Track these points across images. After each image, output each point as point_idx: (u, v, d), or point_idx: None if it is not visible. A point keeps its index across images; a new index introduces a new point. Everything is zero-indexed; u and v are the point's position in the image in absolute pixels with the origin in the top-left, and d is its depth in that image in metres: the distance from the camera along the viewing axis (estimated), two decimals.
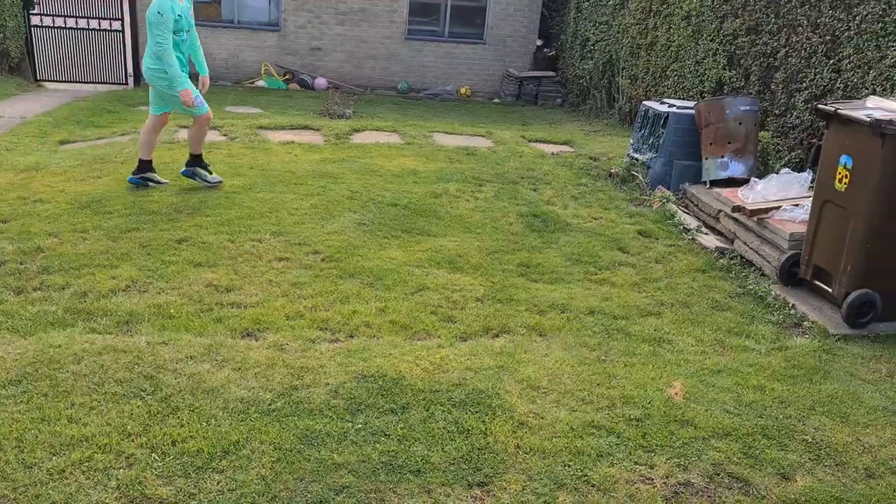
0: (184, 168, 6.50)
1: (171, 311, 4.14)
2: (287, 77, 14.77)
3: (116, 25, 13.81)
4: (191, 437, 3.03)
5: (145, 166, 6.39)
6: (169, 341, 3.79)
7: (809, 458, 3.20)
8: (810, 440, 3.33)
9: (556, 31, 15.29)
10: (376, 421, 3.22)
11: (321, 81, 14.77)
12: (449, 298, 4.59)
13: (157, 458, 2.90)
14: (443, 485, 2.86)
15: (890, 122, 4.22)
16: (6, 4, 12.91)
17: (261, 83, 14.45)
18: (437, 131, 9.77)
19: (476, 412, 3.34)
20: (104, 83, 13.82)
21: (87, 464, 2.84)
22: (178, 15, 6.04)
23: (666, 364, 3.94)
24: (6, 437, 2.95)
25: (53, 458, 2.86)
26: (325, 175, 7.04)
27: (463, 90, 15.32)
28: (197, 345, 3.78)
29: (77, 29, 13.70)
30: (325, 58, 15.06)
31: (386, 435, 3.13)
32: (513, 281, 4.94)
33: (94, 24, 13.74)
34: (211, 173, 6.55)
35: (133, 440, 2.99)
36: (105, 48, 13.82)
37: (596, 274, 5.19)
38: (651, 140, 7.46)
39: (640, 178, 7.41)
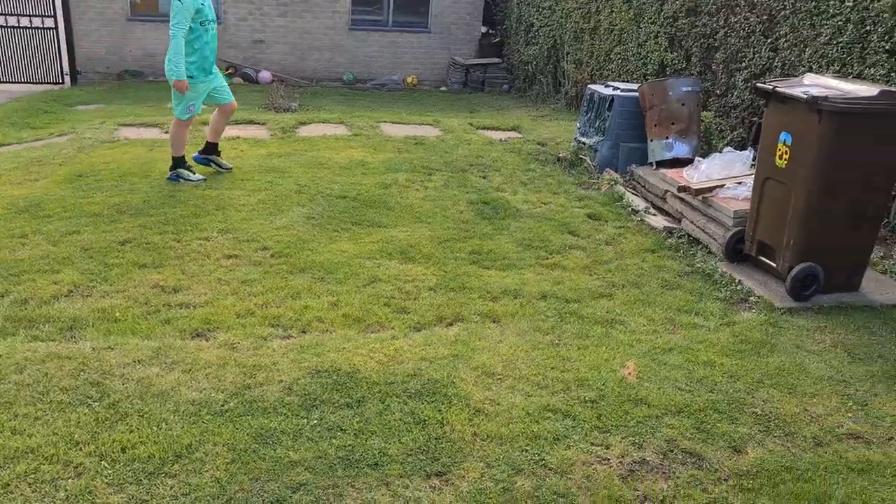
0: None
1: (117, 314, 4.04)
2: (230, 71, 14.51)
3: (49, 23, 13.39)
4: (141, 442, 2.97)
5: (177, 163, 6.51)
6: (115, 346, 3.70)
7: (759, 430, 3.27)
8: (759, 412, 3.40)
9: (501, 17, 15.30)
10: (332, 416, 3.19)
11: (265, 75, 14.55)
12: (402, 289, 4.57)
13: (106, 465, 2.83)
14: (401, 476, 2.85)
15: (825, 98, 4.31)
16: None
17: None
18: (385, 121, 9.71)
19: (432, 402, 3.33)
20: (39, 83, 13.40)
21: (33, 475, 2.75)
22: (202, 3, 5.94)
23: (619, 345, 3.99)
24: None
25: None
26: (271, 169, 6.94)
27: (409, 79, 15.24)
28: (145, 348, 3.69)
29: (6, 27, 13.25)
30: (267, 50, 14.83)
31: (342, 430, 3.10)
32: (465, 269, 4.94)
33: (24, 21, 13.31)
34: (194, 173, 6.58)
35: (81, 449, 2.91)
36: (38, 46, 13.40)
37: (547, 258, 5.22)
38: (597, 123, 7.52)
39: (588, 161, 7.47)
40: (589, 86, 7.99)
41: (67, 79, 13.59)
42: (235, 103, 6.80)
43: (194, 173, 6.50)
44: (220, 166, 6.75)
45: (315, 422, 3.15)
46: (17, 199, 5.82)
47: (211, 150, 6.75)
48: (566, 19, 11.92)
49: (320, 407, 3.27)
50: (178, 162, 6.46)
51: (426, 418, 3.21)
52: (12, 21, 13.25)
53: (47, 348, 3.64)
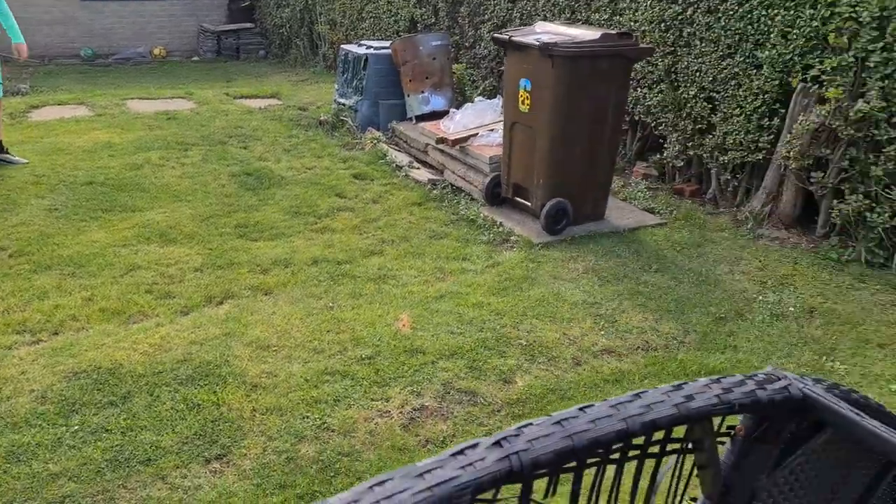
0: None
1: None
2: None
3: None
4: None
5: None
6: None
7: (526, 360, 3.50)
8: (525, 343, 3.64)
9: None
10: (94, 418, 2.98)
11: None
12: (164, 274, 4.33)
13: None
14: (177, 467, 2.73)
15: (555, 44, 4.60)
16: None
17: None
18: (132, 98, 9.04)
19: (205, 385, 3.21)
20: None
21: None
22: None
23: (392, 299, 4.06)
24: None
25: None
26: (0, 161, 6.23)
27: (157, 51, 14.29)
28: None
29: None
30: None
31: (107, 430, 2.90)
32: (232, 244, 4.77)
33: None
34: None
35: None
36: None
37: (316, 223, 5.18)
38: (354, 83, 7.51)
39: (350, 122, 7.46)
40: (342, 46, 7.95)
41: None
42: None
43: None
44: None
45: (76, 427, 2.92)
46: None
47: None
48: None
49: (80, 411, 3.03)
50: None
51: (200, 402, 3.09)
52: None
53: None
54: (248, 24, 14.52)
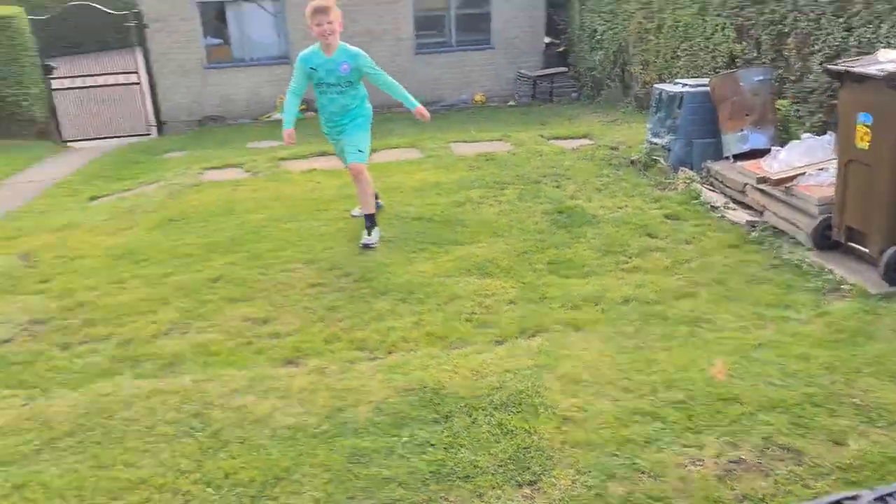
0: None
1: (213, 348, 4.23)
2: (303, 107, 14.96)
3: (133, 78, 14.15)
4: (242, 468, 3.10)
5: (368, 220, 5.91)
6: (213, 378, 3.87)
7: (861, 421, 3.16)
8: (860, 403, 3.28)
9: (563, 26, 15.28)
10: (421, 432, 3.26)
11: None
12: (482, 304, 4.61)
13: (212, 491, 2.97)
14: (493, 487, 2.88)
15: None
16: (27, 72, 13.32)
17: (277, 116, 14.65)
18: (455, 141, 9.82)
19: (519, 412, 3.35)
20: (127, 136, 14.14)
21: None
22: (311, 68, 5.74)
23: (706, 343, 3.92)
24: (67, 487, 3.04)
25: (113, 502, 2.95)
26: (348, 198, 7.11)
27: (478, 97, 15.37)
28: (240, 378, 3.85)
29: (95, 87, 14.06)
30: None
31: (432, 445, 3.16)
32: (544, 279, 4.95)
33: (110, 80, 14.10)
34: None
35: (188, 477, 3.07)
36: (124, 102, 14.16)
37: (627, 262, 5.18)
38: (668, 122, 7.41)
39: (662, 161, 7.36)
40: (656, 85, 7.89)
41: (154, 129, 14.29)
42: (358, 166, 5.87)
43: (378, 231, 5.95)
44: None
45: (406, 439, 3.22)
46: (113, 247, 6.16)
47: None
48: (629, 21, 11.82)
49: (410, 424, 3.33)
50: (369, 219, 5.91)
51: (514, 429, 3.23)
52: (100, 81, 14.06)
53: (151, 384, 3.84)
54: (562, 69, 15.03)
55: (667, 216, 6.06)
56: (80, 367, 4.11)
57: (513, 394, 3.50)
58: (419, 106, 6.01)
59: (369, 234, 5.81)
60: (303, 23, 14.76)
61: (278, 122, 14.18)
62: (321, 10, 5.53)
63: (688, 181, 6.73)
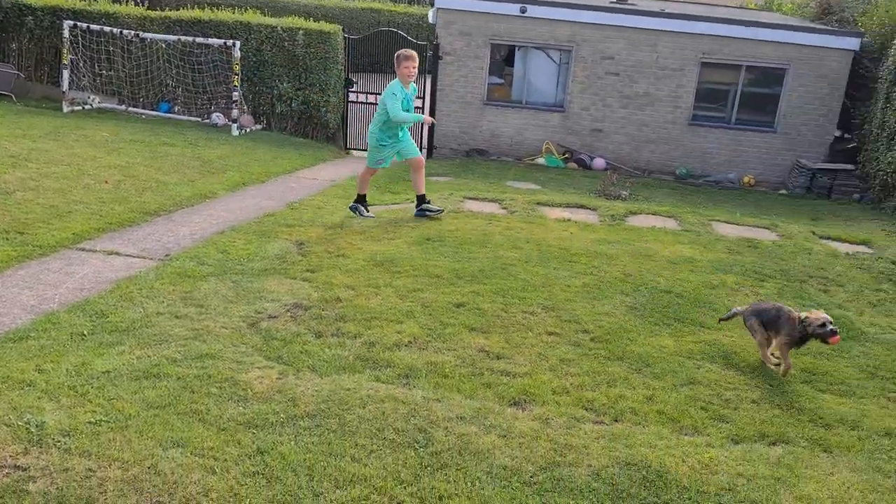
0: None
1: (446, 370, 4.39)
2: (566, 156, 15.20)
3: (418, 103, 15.20)
4: (456, 494, 3.17)
5: (420, 200, 8.34)
6: (442, 399, 4.02)
7: None
8: None
9: (860, 121, 14.16)
10: None
11: (599, 162, 14.99)
12: (721, 396, 4.36)
13: None
14: None
15: None
16: (332, 83, 14.85)
17: (540, 160, 15.01)
18: (717, 220, 9.44)
19: None
20: None
21: (364, 502, 3.08)
22: (405, 97, 7.86)
23: None
24: (301, 464, 3.30)
25: (337, 490, 3.15)
26: (598, 255, 7.10)
27: (746, 179, 14.68)
28: (467, 406, 3.95)
29: (366, 104, 15.31)
30: (604, 139, 15.29)
31: None
32: (794, 387, 4.58)
33: None
34: (368, 210, 8.39)
35: (405, 488, 3.20)
36: None
37: (895, 392, 4.64)
38: None
39: None
40: None
41: (425, 152, 15.24)
42: (422, 158, 8.45)
43: (368, 211, 8.37)
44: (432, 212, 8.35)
45: None
46: (375, 253, 6.63)
47: (421, 200, 8.34)
48: None
49: (626, 500, 3.23)
50: (361, 199, 8.34)
51: None
52: (371, 99, 15.29)
53: (386, 390, 4.07)
54: (849, 166, 13.94)
55: None
56: (329, 357, 4.46)
57: (744, 501, 3.26)
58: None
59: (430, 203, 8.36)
60: (583, 76, 15.07)
61: (540, 167, 14.60)
62: (411, 58, 7.88)
63: None
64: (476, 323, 5.16)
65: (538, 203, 9.56)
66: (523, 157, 15.36)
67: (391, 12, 26.85)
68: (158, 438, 3.42)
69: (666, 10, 15.01)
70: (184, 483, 3.12)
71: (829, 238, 9.04)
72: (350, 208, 8.40)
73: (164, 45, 14.83)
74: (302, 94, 14.84)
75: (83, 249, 6.30)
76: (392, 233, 7.48)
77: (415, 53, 8.02)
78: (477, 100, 15.38)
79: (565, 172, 14.12)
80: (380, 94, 15.35)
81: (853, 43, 14.23)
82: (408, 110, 8.00)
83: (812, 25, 15.76)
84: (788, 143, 14.81)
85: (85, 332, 4.56)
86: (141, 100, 15.32)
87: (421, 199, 8.33)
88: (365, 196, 8.46)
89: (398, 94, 7.82)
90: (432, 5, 15.61)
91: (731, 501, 3.26)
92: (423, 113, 15.18)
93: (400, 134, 8.19)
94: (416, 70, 7.99)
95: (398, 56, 7.93)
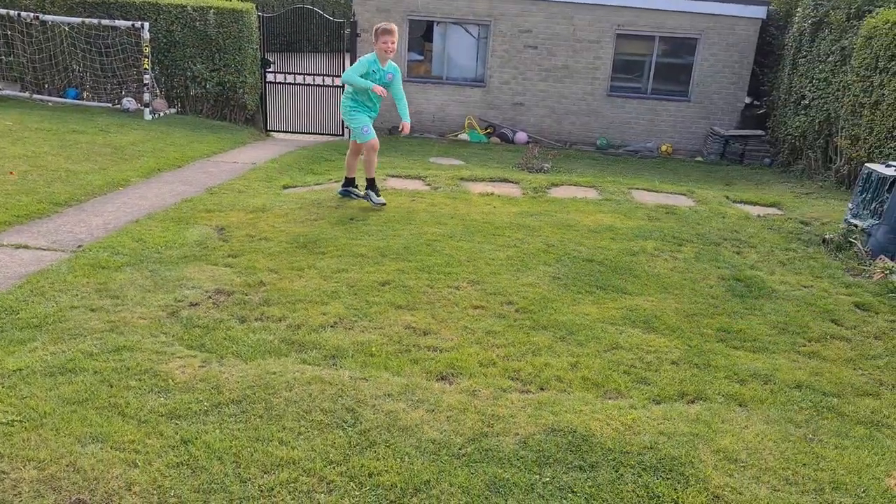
0: (341, 189, 8.25)
1: (373, 349, 4.38)
2: (489, 131, 15.27)
3: (338, 82, 15.01)
4: (386, 471, 3.18)
5: (349, 182, 8.18)
6: (369, 377, 4.01)
7: None
8: None
9: (768, 87, 14.67)
10: (564, 476, 3.21)
11: (521, 136, 15.12)
12: (643, 359, 4.49)
13: (354, 487, 3.07)
14: None
15: None
16: (248, 63, 14.50)
17: (463, 136, 15.05)
18: (636, 188, 9.65)
19: (668, 479, 3.23)
20: (322, 134, 15.03)
21: (293, 485, 3.06)
22: (372, 70, 7.52)
23: (885, 451, 3.60)
24: (226, 451, 3.25)
25: (265, 475, 3.12)
26: (521, 227, 7.18)
27: (664, 147, 15.05)
28: (394, 383, 3.96)
29: (304, 85, 15.06)
30: (526, 112, 15.42)
31: (573, 491, 3.10)
32: (711, 346, 4.74)
33: (318, 80, 15.04)
34: (378, 195, 7.93)
35: (334, 468, 3.19)
36: (324, 102, 15.06)
37: (804, 346, 4.86)
38: (873, 205, 6.92)
39: (859, 245, 6.87)
40: (866, 164, 7.39)
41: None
42: (377, 141, 7.96)
43: (379, 196, 7.95)
44: (356, 196, 8.18)
45: (547, 479, 3.18)
46: (298, 235, 6.55)
47: (350, 183, 8.22)
48: (843, 92, 11.15)
49: (553, 465, 3.29)
50: (370, 183, 7.95)
51: (660, 494, 3.11)
52: (308, 80, 15.04)
53: (313, 371, 4.03)
54: (759, 132, 14.44)
55: (857, 305, 5.64)
56: (254, 341, 4.39)
57: (664, 458, 3.37)
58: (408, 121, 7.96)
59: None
60: (503, 50, 15.15)
61: (463, 142, 14.64)
62: (390, 32, 7.53)
63: (886, 271, 6.23)
64: (402, 300, 5.16)
65: (461, 178, 9.59)
66: (446, 133, 15.36)
67: None
68: (76, 435, 3.31)
69: None
70: (105, 478, 3.03)
71: (741, 202, 9.36)
72: (339, 193, 8.18)
73: (66, 28, 14.18)
74: (217, 75, 14.46)
75: None
76: (315, 214, 7.40)
77: (394, 27, 7.65)
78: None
79: (488, 147, 14.20)
80: (300, 74, 15.19)
81: (760, 11, 14.68)
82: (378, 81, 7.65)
83: None
84: (702, 112, 15.23)
85: None
86: (46, 86, 14.65)
87: (370, 184, 7.99)
88: (353, 179, 8.21)
89: (364, 65, 7.53)
90: None
91: (653, 459, 3.36)
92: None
93: (372, 106, 7.90)
94: (395, 46, 7.60)
95: (376, 30, 7.61)
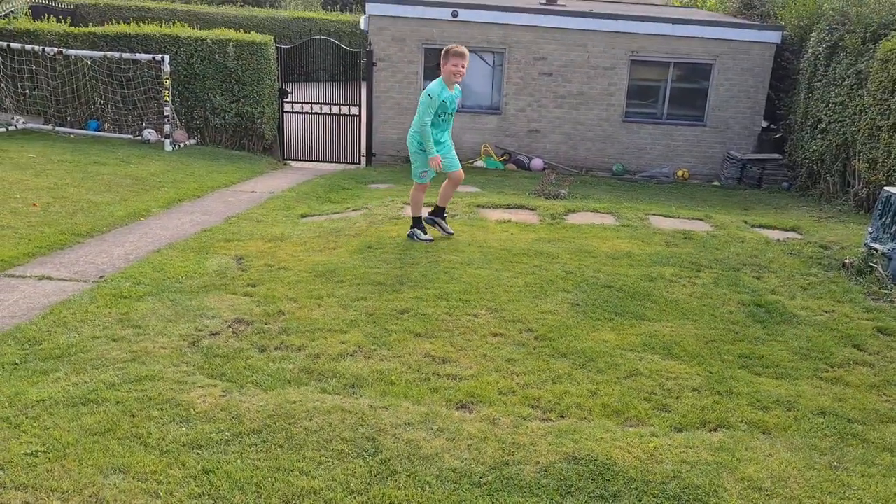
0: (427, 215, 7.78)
1: (392, 377, 4.39)
2: (505, 157, 15.33)
3: (355, 111, 15.17)
4: (406, 500, 3.17)
5: (415, 223, 7.64)
6: (389, 406, 4.01)
7: None
8: None
9: (784, 112, 14.64)
10: None
11: (537, 162, 15.16)
12: (663, 386, 4.46)
13: None
14: None
15: None
16: (266, 94, 14.70)
17: (479, 163, 15.11)
18: (653, 214, 9.63)
19: None
20: (340, 162, 15.15)
21: None
22: (443, 101, 7.02)
23: None
24: (248, 481, 3.26)
25: None
26: (539, 254, 7.18)
27: (680, 173, 15.03)
28: (414, 412, 3.96)
29: (321, 114, 15.22)
30: (542, 139, 15.48)
31: None
32: (733, 373, 4.70)
33: (335, 109, 15.20)
34: (426, 233, 7.62)
35: (355, 497, 3.18)
36: (343, 131, 15.20)
37: (827, 371, 4.81)
38: (893, 229, 6.86)
39: (880, 270, 6.81)
40: (885, 188, 7.34)
41: (363, 160, 15.20)
42: (462, 172, 7.62)
43: (426, 233, 7.56)
44: (443, 229, 7.77)
45: None
46: (317, 264, 6.59)
47: (439, 213, 7.79)
48: (860, 115, 11.12)
49: (575, 494, 3.27)
50: (416, 222, 7.58)
51: None
52: (326, 110, 15.20)
53: (333, 401, 4.04)
54: (776, 156, 14.39)
55: (879, 329, 5.58)
56: (273, 371, 4.41)
57: (688, 487, 3.34)
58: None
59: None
60: (518, 77, 15.24)
61: (480, 170, 14.67)
62: (462, 56, 6.92)
63: None
64: (421, 328, 5.17)
65: (478, 205, 9.62)
66: (462, 160, 15.43)
67: (323, 20, 26.74)
68: (99, 465, 3.33)
69: (594, 11, 15.28)
70: None
71: (760, 226, 9.32)
72: (408, 236, 7.57)
73: (89, 62, 14.46)
74: (235, 106, 14.66)
75: (12, 276, 6.10)
76: (333, 243, 7.44)
77: (466, 51, 6.95)
78: (413, 105, 15.38)
79: (504, 174, 14.24)
80: (316, 103, 15.36)
81: (775, 36, 14.71)
82: (452, 113, 7.20)
83: (736, 20, 16.23)
84: (718, 136, 15.22)
85: (17, 361, 4.41)
86: (69, 118, 14.91)
87: (439, 212, 7.68)
88: (420, 218, 7.59)
89: (434, 98, 6.89)
90: (364, 12, 15.59)
91: (677, 488, 3.33)
92: (362, 120, 15.17)
93: (442, 138, 7.29)
94: (465, 70, 6.98)
95: (445, 52, 6.93)
